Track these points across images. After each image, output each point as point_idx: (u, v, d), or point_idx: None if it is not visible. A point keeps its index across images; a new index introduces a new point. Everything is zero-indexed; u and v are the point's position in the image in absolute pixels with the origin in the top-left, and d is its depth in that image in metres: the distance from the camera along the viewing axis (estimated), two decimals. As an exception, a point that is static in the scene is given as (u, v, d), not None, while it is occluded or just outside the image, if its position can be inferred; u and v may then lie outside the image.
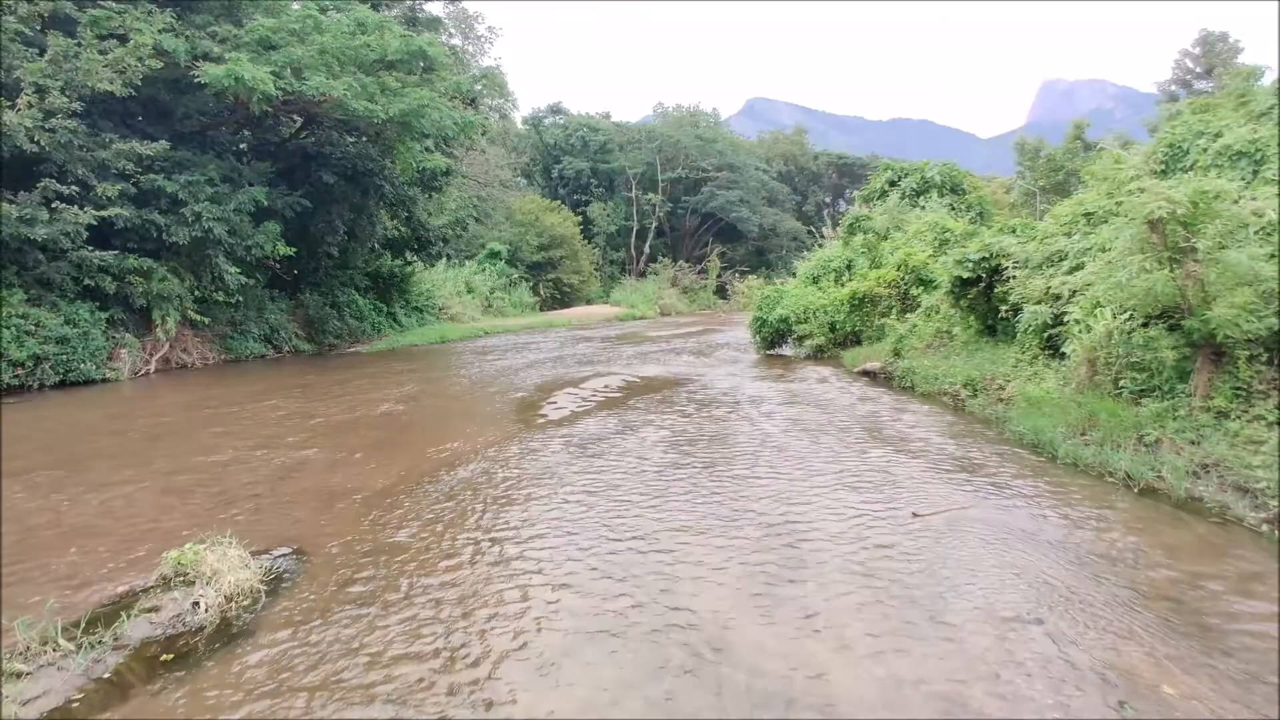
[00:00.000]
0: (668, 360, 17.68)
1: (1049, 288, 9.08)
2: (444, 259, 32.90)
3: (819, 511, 5.72)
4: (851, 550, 4.87)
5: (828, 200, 78.38)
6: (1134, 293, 6.36)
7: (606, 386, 12.66)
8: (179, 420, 10.53)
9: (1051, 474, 6.57)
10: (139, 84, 16.71)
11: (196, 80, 16.66)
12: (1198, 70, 45.09)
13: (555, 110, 62.95)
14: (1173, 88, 44.84)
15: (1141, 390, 6.88)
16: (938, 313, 13.65)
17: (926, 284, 15.02)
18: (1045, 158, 32.92)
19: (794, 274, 54.66)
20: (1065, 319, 8.27)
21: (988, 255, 11.05)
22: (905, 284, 15.36)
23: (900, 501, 5.95)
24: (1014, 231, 11.42)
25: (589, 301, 48.32)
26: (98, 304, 16.55)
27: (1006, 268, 10.38)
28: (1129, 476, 6.04)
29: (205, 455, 8.01)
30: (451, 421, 9.82)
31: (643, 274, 54.97)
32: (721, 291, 54.61)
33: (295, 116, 23.33)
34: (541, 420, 9.63)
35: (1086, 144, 32.65)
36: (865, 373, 13.34)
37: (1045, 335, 9.14)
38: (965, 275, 11.29)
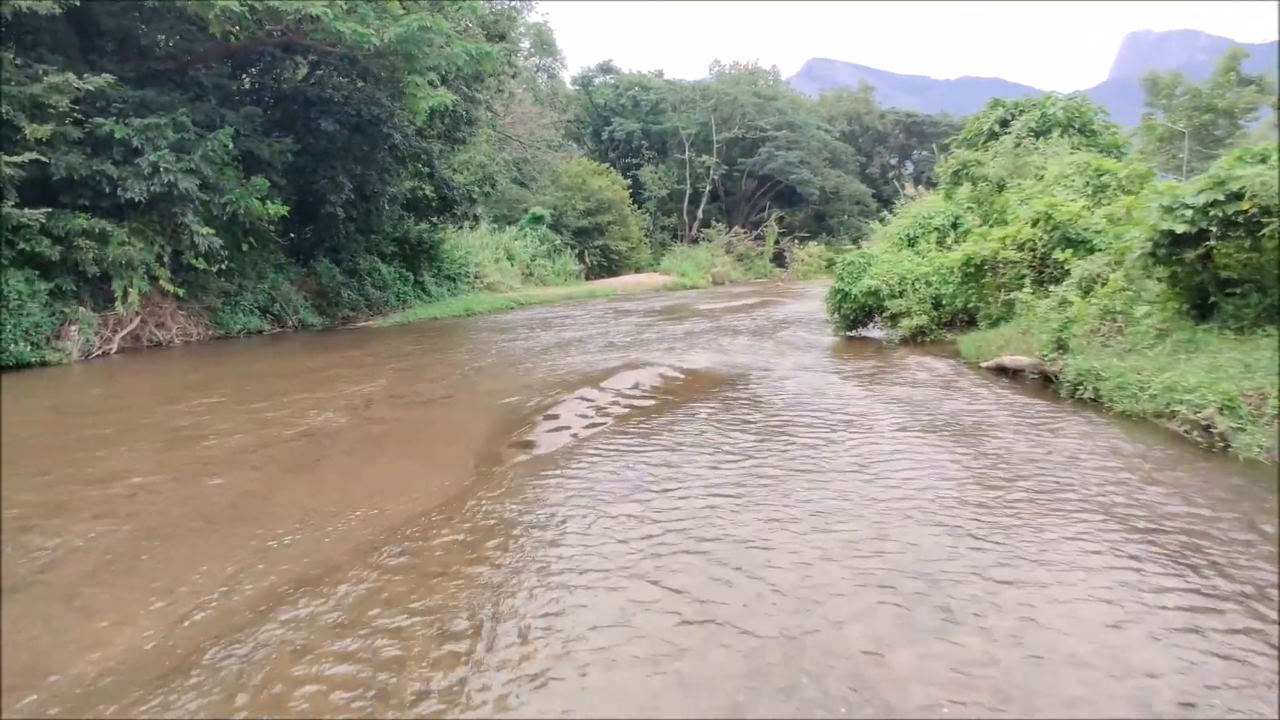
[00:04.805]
0: (722, 343, 14.08)
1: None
2: (474, 221, 29.68)
3: None
4: None
5: (894, 162, 73.50)
6: None
7: (636, 387, 9.15)
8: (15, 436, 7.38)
9: None
10: (77, 4, 13.69)
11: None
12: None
13: (606, 69, 58.99)
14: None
15: None
16: (1103, 285, 9.75)
17: (1078, 245, 11.08)
18: (1186, 95, 27.32)
19: (857, 240, 50.56)
20: None
21: (1220, 198, 7.13)
22: (1046, 245, 11.42)
23: None
24: (1263, 160, 7.45)
25: (638, 269, 44.73)
26: (39, 272, 13.67)
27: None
28: None
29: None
30: (381, 458, 6.44)
31: (695, 240, 51.07)
32: (779, 259, 50.42)
33: (297, 57, 20.25)
34: (521, 460, 6.13)
35: (1243, 78, 26.92)
36: (1001, 369, 9.57)
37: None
38: (1180, 229, 7.40)
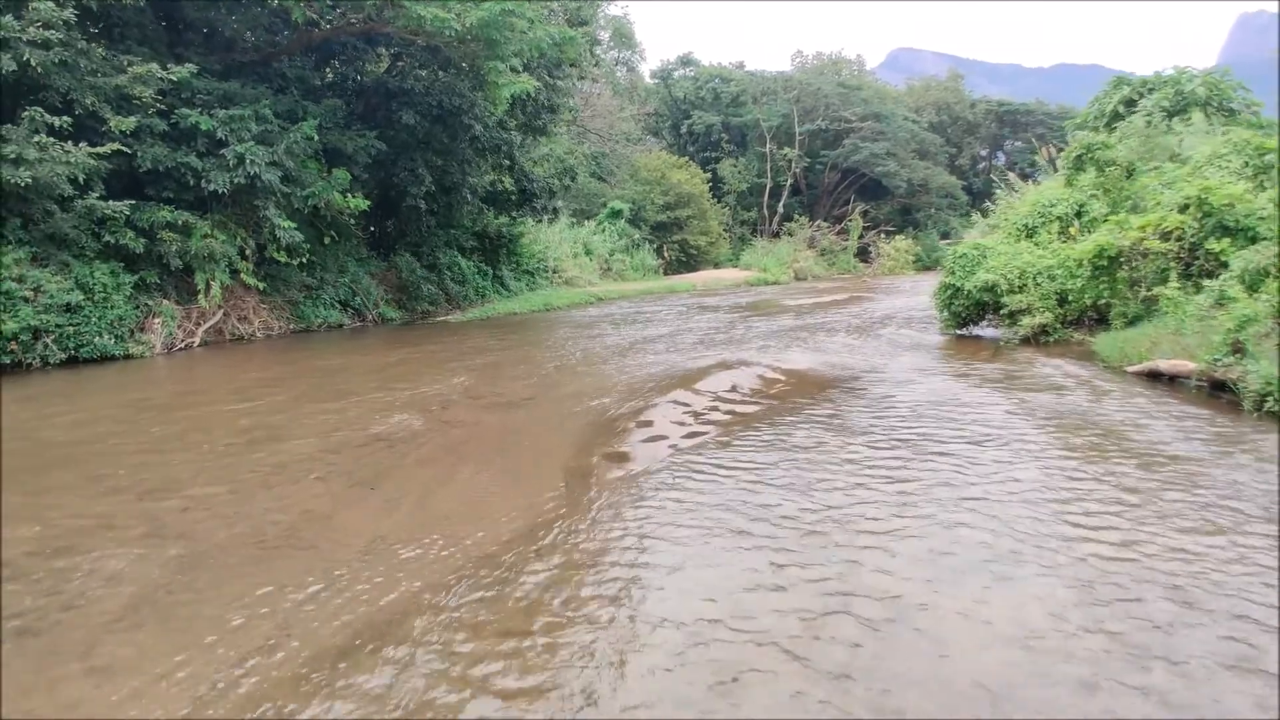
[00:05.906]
0: (819, 341, 13.06)
1: None
2: (553, 215, 29.26)
3: None
4: None
5: (984, 153, 70.06)
6: None
7: (734, 389, 8.27)
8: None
9: None
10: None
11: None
12: None
13: (685, 62, 58.04)
14: None
15: None
16: (1274, 279, 8.38)
17: (1237, 234, 9.67)
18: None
19: (945, 234, 47.89)
20: None
21: None
22: (1197, 234, 10.02)
23: None
24: None
25: (716, 265, 43.76)
26: (123, 264, 13.67)
27: None
28: None
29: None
30: (458, 470, 5.76)
31: (776, 235, 49.59)
32: (863, 254, 48.43)
33: (379, 48, 20.09)
34: (615, 476, 5.33)
35: None
36: (1154, 375, 8.31)
37: None
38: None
